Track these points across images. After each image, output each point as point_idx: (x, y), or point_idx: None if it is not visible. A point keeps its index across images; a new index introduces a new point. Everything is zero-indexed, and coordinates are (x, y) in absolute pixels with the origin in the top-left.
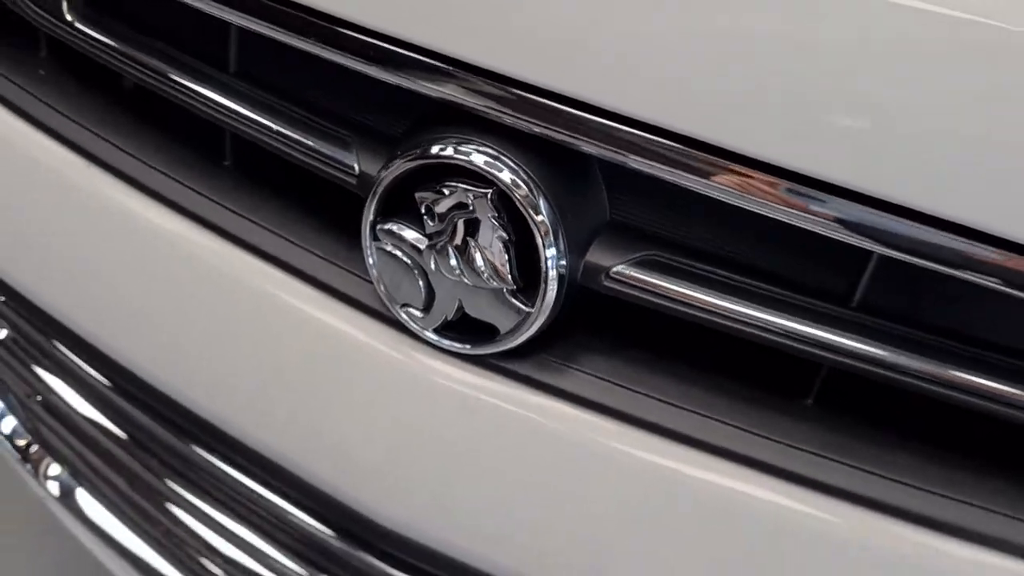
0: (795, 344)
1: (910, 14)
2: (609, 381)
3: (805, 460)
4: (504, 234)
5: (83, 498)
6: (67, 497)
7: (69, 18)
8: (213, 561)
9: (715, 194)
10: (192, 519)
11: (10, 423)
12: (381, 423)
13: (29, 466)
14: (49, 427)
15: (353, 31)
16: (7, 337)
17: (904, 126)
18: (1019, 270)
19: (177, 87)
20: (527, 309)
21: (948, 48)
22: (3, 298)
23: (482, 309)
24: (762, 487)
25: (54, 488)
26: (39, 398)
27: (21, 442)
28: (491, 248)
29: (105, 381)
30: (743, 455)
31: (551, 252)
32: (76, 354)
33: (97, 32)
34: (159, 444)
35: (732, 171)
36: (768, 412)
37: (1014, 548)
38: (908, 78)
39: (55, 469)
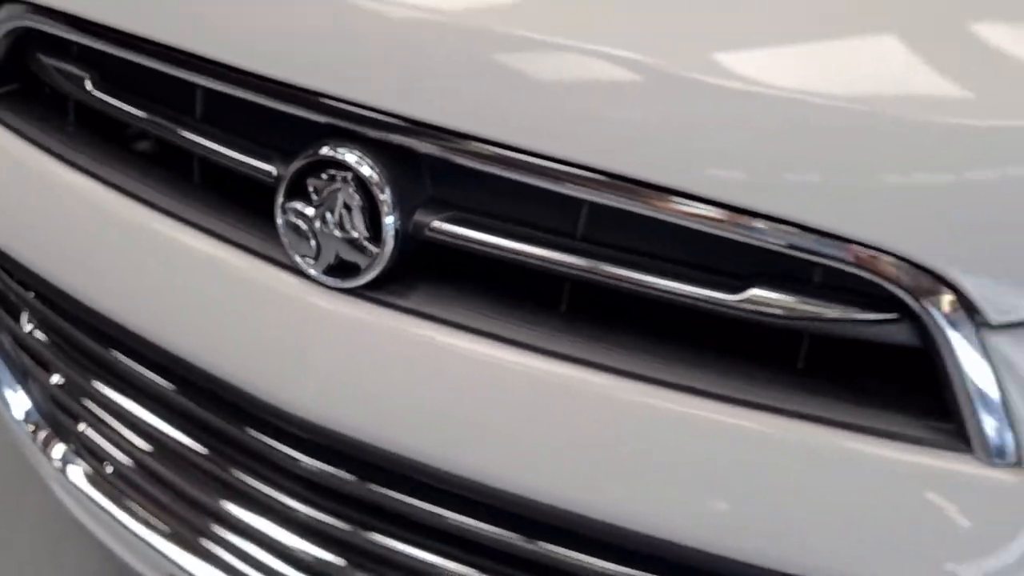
0: (549, 266)
1: None
2: (435, 302)
3: (563, 342)
4: (361, 204)
5: None
6: None
7: (90, 90)
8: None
9: (483, 168)
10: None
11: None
12: (288, 336)
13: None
14: None
15: (270, 81)
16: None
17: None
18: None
19: (162, 128)
20: (376, 250)
21: None
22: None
23: (350, 254)
24: (542, 366)
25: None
26: None
27: None
28: (353, 214)
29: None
30: (522, 342)
31: (388, 217)
32: None
33: (111, 99)
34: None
35: (476, 152)
36: (536, 316)
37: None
38: None
39: None
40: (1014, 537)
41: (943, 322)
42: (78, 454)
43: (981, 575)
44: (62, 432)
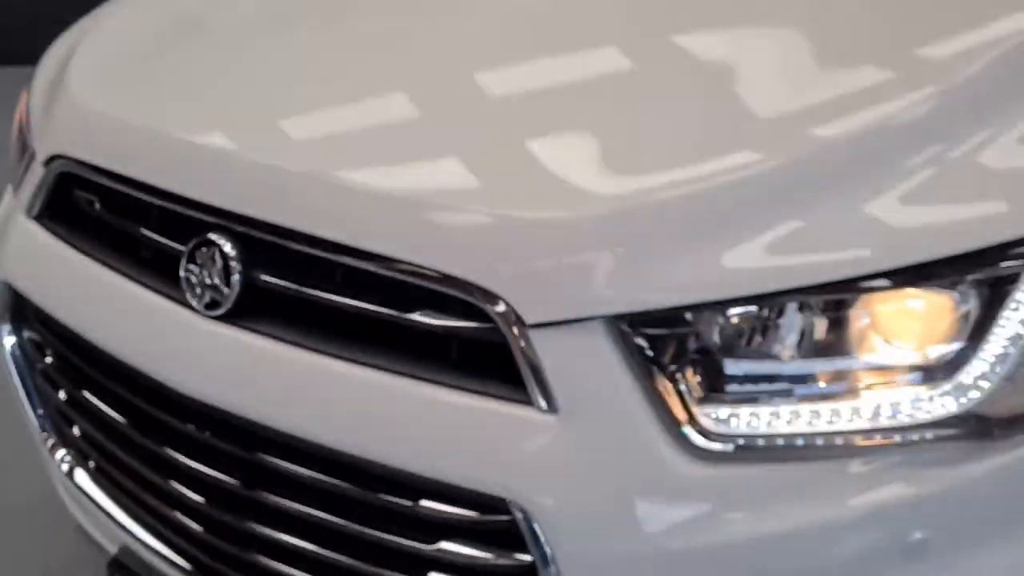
0: (321, 301)
1: None
2: (266, 323)
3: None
4: (222, 267)
5: None
6: None
7: (97, 209)
8: None
9: (280, 244)
10: None
11: None
12: (185, 345)
13: None
14: None
15: (182, 198)
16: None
17: None
18: None
19: (128, 229)
20: (228, 293)
21: None
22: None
23: (216, 296)
24: (317, 360)
25: None
26: None
27: None
28: (217, 272)
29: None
30: (307, 345)
31: (235, 275)
32: None
33: (106, 215)
34: None
35: (273, 236)
36: (318, 331)
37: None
38: None
39: None
40: (551, 455)
41: (502, 324)
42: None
43: (533, 475)
44: (64, 439)
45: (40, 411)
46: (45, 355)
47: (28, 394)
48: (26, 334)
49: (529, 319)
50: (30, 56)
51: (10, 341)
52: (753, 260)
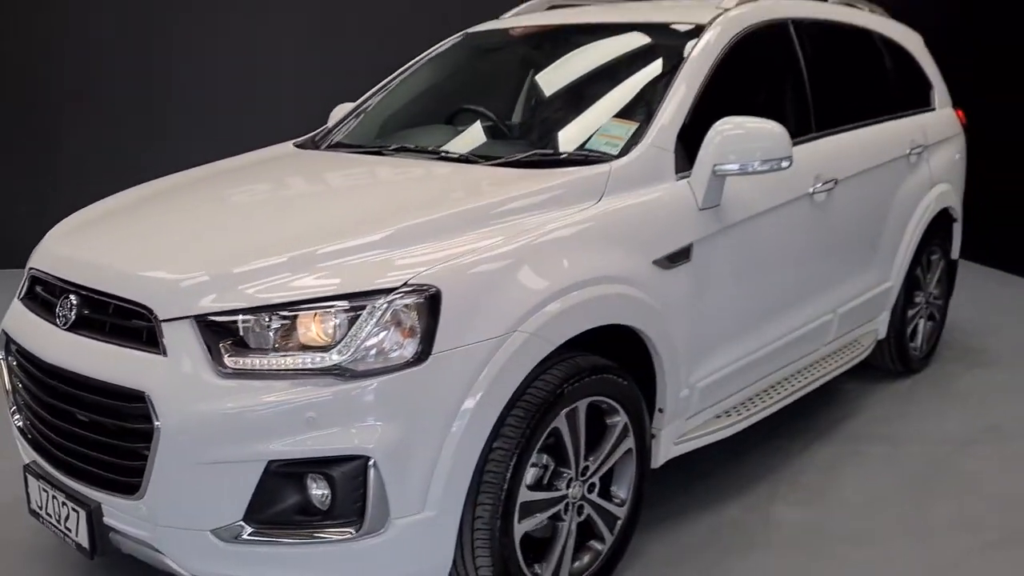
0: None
1: None
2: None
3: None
4: (70, 306)
5: None
6: None
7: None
8: None
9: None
10: None
11: None
12: (52, 342)
13: None
14: None
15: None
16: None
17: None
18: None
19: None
20: (71, 317)
21: None
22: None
23: (67, 319)
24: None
25: None
26: None
27: None
28: (68, 309)
29: None
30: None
31: (73, 311)
32: None
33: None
34: None
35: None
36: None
37: None
38: None
39: None
40: (162, 374)
41: (154, 319)
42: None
43: (157, 383)
44: (17, 407)
45: (9, 394)
46: (9, 359)
47: (6, 389)
48: (1, 353)
49: (162, 316)
50: None
51: (1, 356)
52: (256, 293)
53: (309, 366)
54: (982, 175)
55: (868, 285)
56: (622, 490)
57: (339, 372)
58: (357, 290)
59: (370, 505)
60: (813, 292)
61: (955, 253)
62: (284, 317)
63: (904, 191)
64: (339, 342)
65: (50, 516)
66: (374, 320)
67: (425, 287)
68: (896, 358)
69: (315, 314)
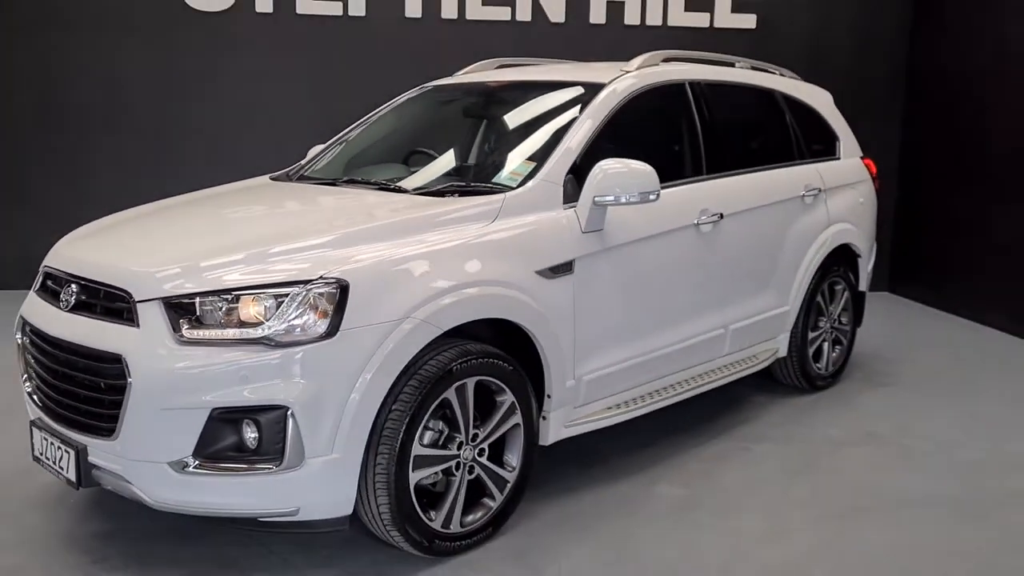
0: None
1: None
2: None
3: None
4: (71, 293)
5: None
6: None
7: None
8: None
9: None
10: None
11: None
12: (56, 322)
13: None
14: None
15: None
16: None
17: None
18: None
19: (51, 293)
20: (71, 302)
21: None
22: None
23: (68, 303)
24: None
25: None
26: None
27: None
28: (69, 295)
29: None
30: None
31: (72, 296)
32: None
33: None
34: None
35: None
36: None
37: None
38: None
39: None
40: (133, 341)
41: (131, 300)
42: (27, 381)
43: (130, 347)
44: (27, 376)
45: (22, 365)
46: (23, 337)
47: (19, 361)
48: (19, 334)
49: (137, 298)
50: None
51: (19, 336)
52: (220, 276)
53: (245, 337)
54: (913, 219)
55: (763, 307)
56: (513, 458)
57: (267, 342)
58: (284, 280)
59: (288, 445)
60: (702, 309)
61: (862, 285)
62: (229, 300)
63: (799, 227)
64: (269, 320)
65: (48, 460)
66: (295, 304)
67: (335, 280)
68: (800, 375)
69: (252, 298)
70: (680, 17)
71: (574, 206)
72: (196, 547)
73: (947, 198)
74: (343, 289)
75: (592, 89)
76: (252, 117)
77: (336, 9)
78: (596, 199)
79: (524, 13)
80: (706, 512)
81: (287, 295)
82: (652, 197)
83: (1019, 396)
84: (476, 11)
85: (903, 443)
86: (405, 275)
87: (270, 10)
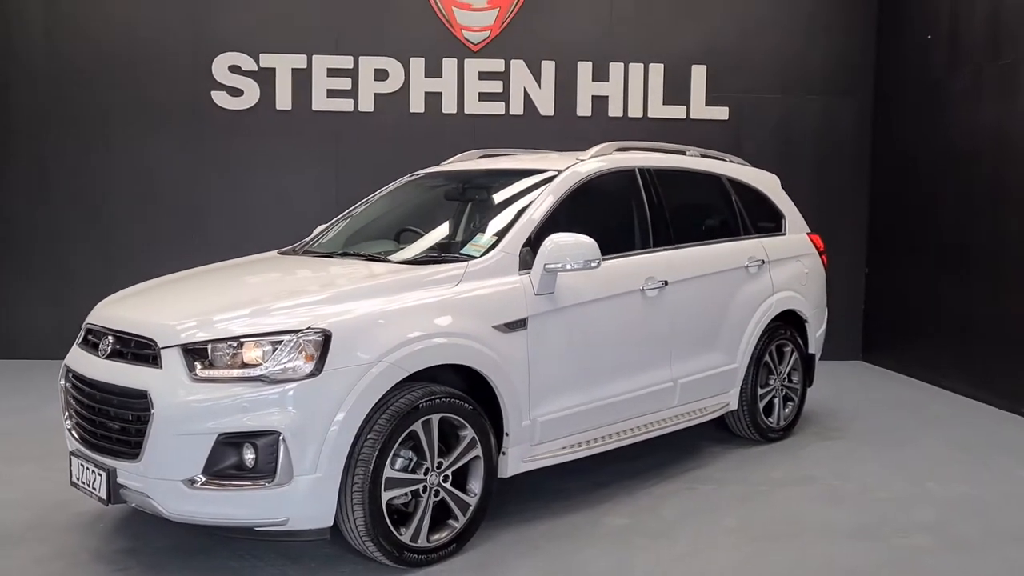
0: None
1: None
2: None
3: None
4: (108, 343)
5: None
6: None
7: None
8: None
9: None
10: None
11: None
12: (96, 367)
13: None
14: None
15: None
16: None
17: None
18: None
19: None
20: (107, 349)
21: None
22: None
23: (105, 351)
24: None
25: None
26: None
27: None
28: (106, 346)
29: None
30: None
31: (108, 346)
32: None
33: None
34: None
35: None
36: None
37: None
38: None
39: None
40: (160, 379)
41: (156, 347)
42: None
43: (157, 384)
44: (68, 414)
45: (64, 407)
46: (66, 383)
47: (62, 403)
48: (62, 380)
49: (161, 345)
50: None
51: (62, 382)
52: (228, 327)
53: (246, 375)
54: (880, 292)
55: (711, 364)
56: (475, 485)
57: (264, 379)
58: (277, 330)
59: (280, 465)
60: (649, 364)
61: (812, 348)
62: (235, 346)
63: (744, 294)
64: (266, 361)
65: (83, 483)
66: (287, 349)
67: (321, 330)
68: (751, 427)
69: (253, 343)
70: (659, 110)
71: (528, 272)
72: (203, 560)
73: (907, 272)
74: (327, 337)
75: (548, 176)
76: (271, 200)
77: (348, 106)
78: (546, 266)
79: (517, 107)
80: (643, 536)
81: (281, 341)
82: (593, 264)
83: (954, 445)
84: (473, 106)
85: (832, 484)
86: (379, 326)
87: (289, 107)
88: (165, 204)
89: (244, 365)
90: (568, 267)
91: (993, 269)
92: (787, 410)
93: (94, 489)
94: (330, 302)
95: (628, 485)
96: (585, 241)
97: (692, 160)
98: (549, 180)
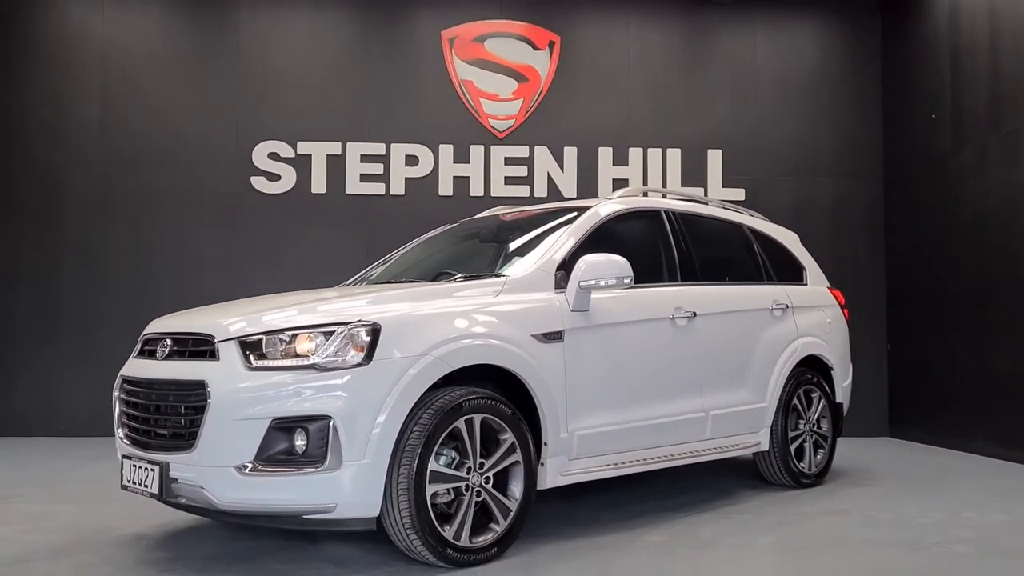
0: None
1: None
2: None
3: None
4: (169, 345)
5: None
6: None
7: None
8: None
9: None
10: None
11: None
12: (151, 368)
13: None
14: None
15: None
16: None
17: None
18: None
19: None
20: (165, 350)
21: None
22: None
23: (163, 353)
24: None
25: None
26: None
27: None
28: (163, 348)
29: None
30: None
31: (166, 348)
32: None
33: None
34: None
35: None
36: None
37: None
38: None
39: None
40: (216, 370)
41: (215, 341)
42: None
43: (213, 375)
44: (119, 422)
45: (116, 416)
46: (121, 393)
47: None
48: (116, 391)
49: (218, 339)
50: None
51: (116, 392)
52: (277, 322)
53: (299, 364)
54: (903, 365)
55: (741, 400)
56: (516, 490)
57: (316, 367)
58: (331, 322)
59: (330, 450)
60: (680, 391)
61: (839, 398)
62: (287, 340)
63: (770, 334)
64: (318, 351)
65: (135, 483)
66: (338, 340)
67: (370, 322)
68: (783, 471)
69: (306, 335)
70: (677, 190)
71: (564, 291)
72: (248, 564)
73: (927, 344)
74: (375, 330)
75: (579, 211)
76: (304, 278)
77: (380, 190)
78: (581, 283)
79: (541, 190)
80: (682, 548)
81: (332, 332)
82: (626, 281)
83: (989, 491)
84: (499, 190)
85: (870, 514)
86: (425, 324)
87: (324, 191)
88: (205, 283)
89: (297, 355)
90: (602, 283)
91: (1012, 330)
92: (818, 457)
93: (146, 487)
94: (377, 302)
95: (664, 516)
96: (617, 260)
97: (715, 209)
98: (582, 212)
